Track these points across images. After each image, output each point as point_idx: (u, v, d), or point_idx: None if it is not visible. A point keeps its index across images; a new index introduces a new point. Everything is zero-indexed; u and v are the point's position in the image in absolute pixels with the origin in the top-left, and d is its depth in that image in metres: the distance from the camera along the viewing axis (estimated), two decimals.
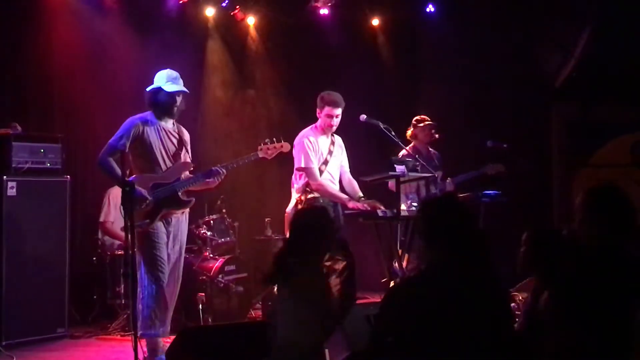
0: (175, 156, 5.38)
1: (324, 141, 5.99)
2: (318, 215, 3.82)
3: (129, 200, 4.67)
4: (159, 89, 5.34)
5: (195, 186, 5.41)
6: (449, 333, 2.60)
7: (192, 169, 5.50)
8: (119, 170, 5.06)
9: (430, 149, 7.07)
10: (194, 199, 5.45)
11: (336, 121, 5.94)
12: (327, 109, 5.89)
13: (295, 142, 5.91)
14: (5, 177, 5.96)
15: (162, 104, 5.34)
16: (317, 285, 3.62)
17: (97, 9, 7.52)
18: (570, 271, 3.09)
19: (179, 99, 5.37)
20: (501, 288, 2.91)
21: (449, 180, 6.88)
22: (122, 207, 4.77)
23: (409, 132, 7.01)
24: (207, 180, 5.40)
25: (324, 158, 5.93)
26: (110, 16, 7.59)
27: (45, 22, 7.08)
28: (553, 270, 3.22)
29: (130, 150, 5.21)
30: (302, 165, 5.82)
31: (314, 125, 6.04)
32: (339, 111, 5.92)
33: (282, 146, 5.67)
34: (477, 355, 2.59)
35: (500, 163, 7.04)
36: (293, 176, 6.00)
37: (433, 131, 6.98)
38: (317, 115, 5.98)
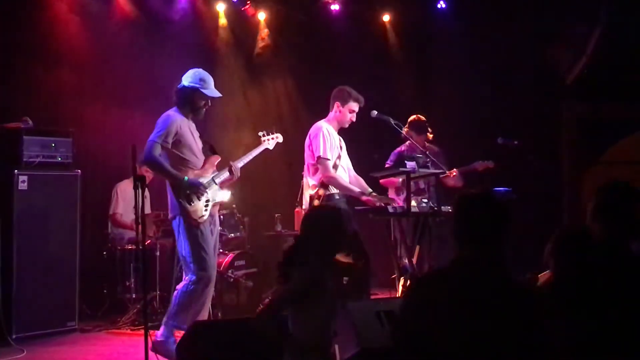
0: (200, 151, 5.42)
1: (336, 135, 5.87)
2: (331, 215, 3.74)
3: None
4: (197, 89, 5.29)
5: (222, 180, 5.48)
6: (471, 332, 2.55)
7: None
8: (168, 166, 5.12)
9: (427, 144, 6.97)
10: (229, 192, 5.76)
11: (354, 117, 5.88)
12: (351, 104, 5.80)
13: (313, 132, 5.75)
14: (16, 171, 6.00)
15: (195, 104, 5.33)
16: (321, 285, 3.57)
17: (107, 4, 7.56)
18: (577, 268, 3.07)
19: (209, 103, 5.44)
20: (530, 290, 2.86)
21: (455, 173, 6.80)
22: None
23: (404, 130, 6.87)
24: (230, 176, 5.48)
25: (338, 152, 5.79)
26: (120, 11, 7.62)
27: (56, 17, 7.10)
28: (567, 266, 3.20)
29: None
30: (321, 154, 5.61)
31: (328, 118, 5.89)
32: (358, 108, 5.88)
33: (278, 137, 5.98)
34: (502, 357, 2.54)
35: (491, 159, 7.00)
36: (306, 170, 5.83)
37: (427, 134, 6.94)
38: (337, 108, 5.81)
